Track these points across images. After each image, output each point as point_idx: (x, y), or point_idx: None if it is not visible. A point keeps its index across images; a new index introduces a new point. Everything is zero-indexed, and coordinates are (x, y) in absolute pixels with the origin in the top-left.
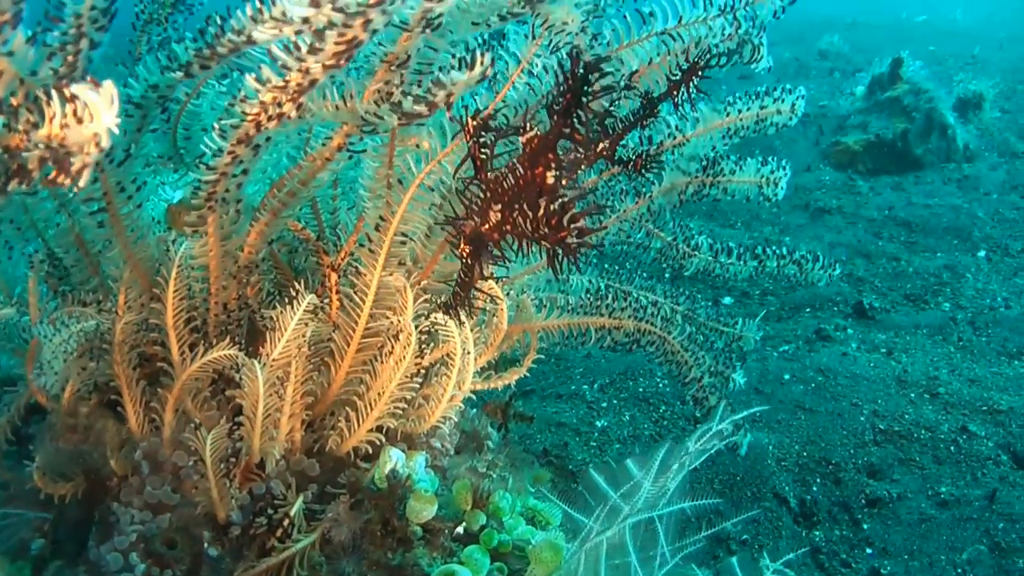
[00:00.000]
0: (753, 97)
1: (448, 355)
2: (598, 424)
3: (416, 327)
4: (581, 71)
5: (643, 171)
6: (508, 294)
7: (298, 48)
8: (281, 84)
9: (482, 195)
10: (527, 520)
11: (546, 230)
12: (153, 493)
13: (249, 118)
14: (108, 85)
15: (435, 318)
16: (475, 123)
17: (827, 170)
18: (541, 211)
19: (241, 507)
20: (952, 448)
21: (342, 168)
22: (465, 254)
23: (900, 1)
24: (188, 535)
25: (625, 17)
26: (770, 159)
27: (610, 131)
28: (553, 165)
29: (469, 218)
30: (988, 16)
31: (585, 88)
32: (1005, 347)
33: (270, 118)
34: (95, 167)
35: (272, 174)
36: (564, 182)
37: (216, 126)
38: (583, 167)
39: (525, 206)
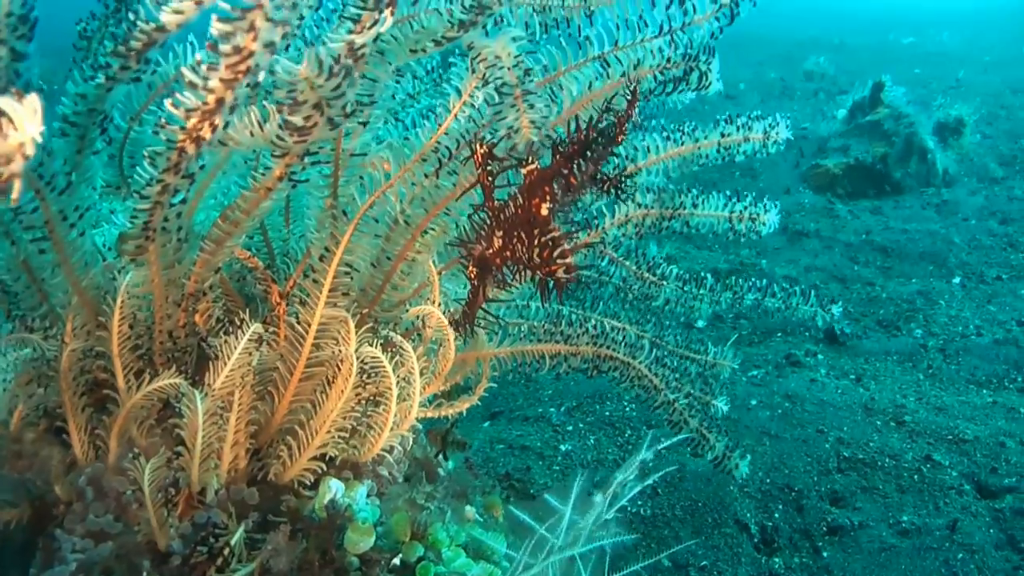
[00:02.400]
0: (713, 125)
1: (387, 386)
2: (562, 448)
3: (362, 357)
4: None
5: (618, 190)
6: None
7: (200, 65)
8: (193, 105)
9: (488, 221)
10: (472, 551)
11: (539, 260)
12: (95, 521)
13: (173, 144)
14: (32, 97)
15: (368, 352)
16: (483, 152)
17: (807, 193)
18: (535, 241)
19: (182, 536)
20: (916, 477)
21: (295, 196)
22: (472, 276)
23: (888, 23)
24: (128, 564)
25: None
26: (745, 192)
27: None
28: (548, 198)
29: (477, 242)
30: (974, 39)
31: (593, 145)
32: (974, 375)
33: (192, 142)
34: (36, 195)
35: (224, 201)
36: (555, 215)
37: (146, 153)
38: (573, 197)
39: (522, 234)
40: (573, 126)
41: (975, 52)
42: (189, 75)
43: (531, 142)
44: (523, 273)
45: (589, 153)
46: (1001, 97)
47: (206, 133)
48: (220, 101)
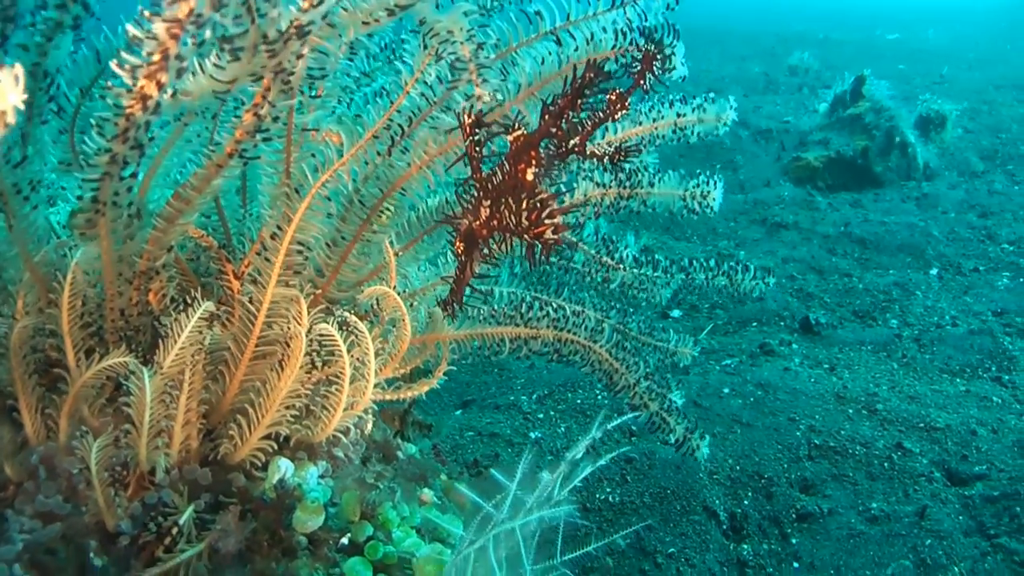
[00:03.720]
0: (668, 105)
1: (341, 367)
2: (532, 435)
3: (319, 335)
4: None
5: (619, 162)
6: (411, 306)
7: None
8: (138, 62)
9: (476, 192)
10: (428, 533)
11: (526, 223)
12: (45, 502)
13: (120, 108)
14: (16, 67)
15: (323, 329)
16: (471, 121)
17: (787, 185)
18: (523, 205)
19: (132, 516)
20: (886, 464)
21: (252, 175)
22: (460, 251)
23: (873, 19)
24: (75, 545)
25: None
26: (704, 172)
27: (579, 128)
28: (534, 162)
29: (464, 216)
30: (959, 36)
31: (584, 93)
32: (948, 365)
33: (139, 103)
34: None
35: (180, 179)
36: (541, 179)
37: (93, 121)
38: (558, 162)
39: (510, 200)
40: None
41: (960, 49)
42: (133, 30)
43: (519, 111)
44: (509, 242)
45: (580, 102)
46: (984, 93)
47: (152, 91)
48: (165, 53)
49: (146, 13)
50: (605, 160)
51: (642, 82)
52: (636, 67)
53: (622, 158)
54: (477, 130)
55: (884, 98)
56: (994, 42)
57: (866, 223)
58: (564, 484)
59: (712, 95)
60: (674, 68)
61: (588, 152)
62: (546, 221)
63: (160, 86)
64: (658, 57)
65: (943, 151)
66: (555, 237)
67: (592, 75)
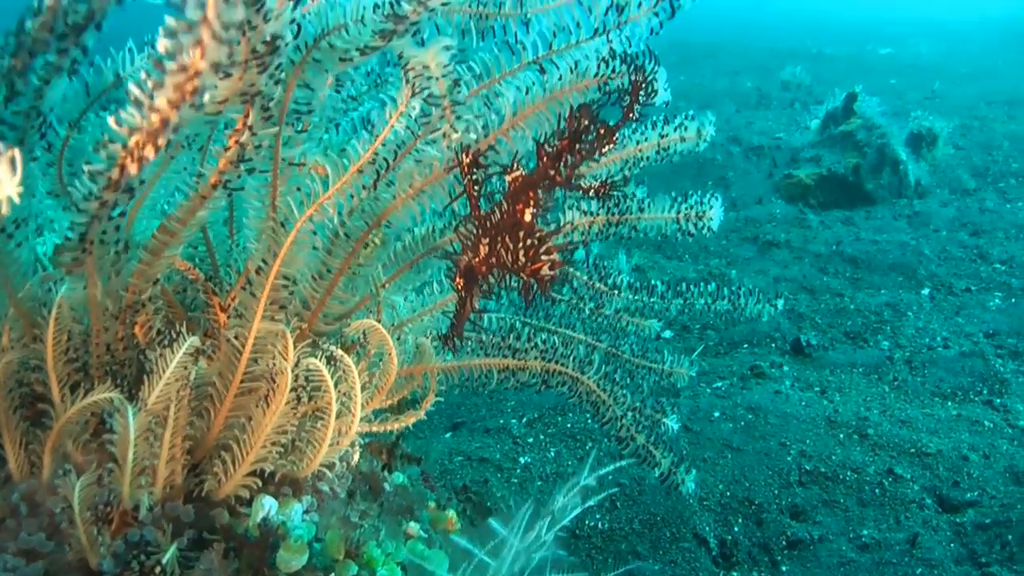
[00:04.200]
0: (651, 127)
1: (327, 402)
2: (521, 460)
3: (306, 369)
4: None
5: (605, 196)
6: (398, 338)
7: (147, 81)
8: (137, 124)
9: (475, 230)
10: (413, 569)
11: (523, 261)
12: (27, 539)
13: (114, 161)
14: (14, 152)
15: (309, 364)
16: (468, 160)
17: (779, 203)
18: (520, 244)
19: (114, 554)
20: (877, 491)
21: (239, 206)
22: (460, 286)
23: (866, 34)
24: None
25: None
26: (697, 191)
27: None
28: (532, 203)
29: (464, 252)
30: (952, 51)
31: (582, 137)
32: (940, 388)
33: (134, 161)
34: None
35: (168, 210)
36: (538, 218)
37: (86, 169)
38: (551, 196)
39: (507, 238)
40: (563, 121)
41: (952, 64)
42: (135, 92)
43: (516, 151)
44: (508, 279)
45: (577, 147)
46: (975, 109)
47: (149, 153)
48: (165, 122)
49: (150, 81)
50: (591, 192)
51: (631, 115)
52: (625, 99)
53: (608, 191)
54: (475, 169)
55: (875, 115)
56: (986, 57)
57: (858, 241)
58: (552, 526)
59: (691, 114)
60: (657, 93)
61: (575, 187)
62: (543, 258)
63: (157, 149)
64: (644, 87)
65: (935, 168)
66: (552, 273)
67: (587, 121)
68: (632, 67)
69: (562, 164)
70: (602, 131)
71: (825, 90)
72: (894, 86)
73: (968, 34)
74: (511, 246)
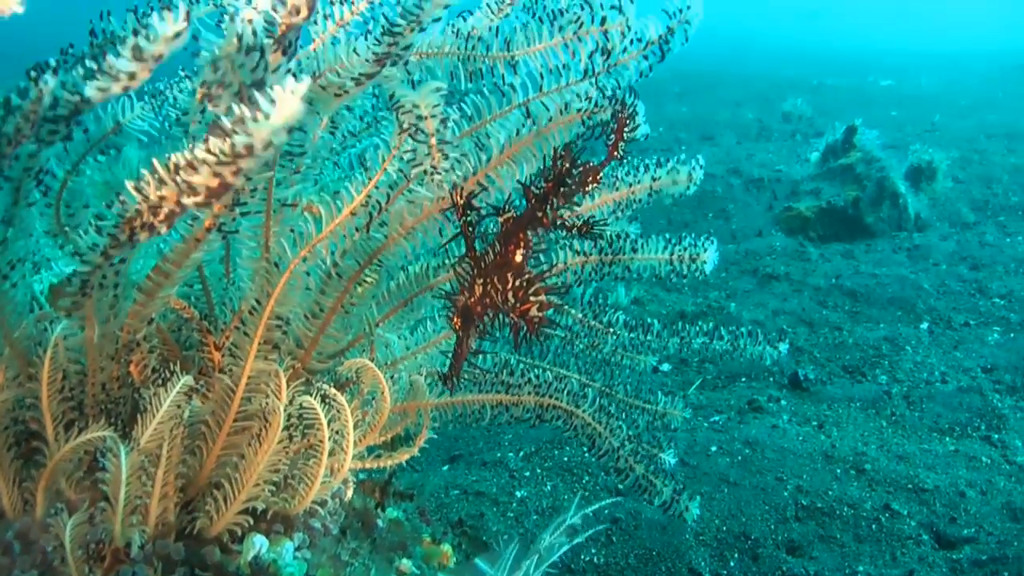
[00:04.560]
0: (643, 169)
1: (320, 439)
2: (518, 494)
3: (299, 407)
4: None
5: (590, 235)
6: (392, 376)
7: (176, 172)
8: (156, 202)
9: (470, 270)
10: None
11: (512, 301)
12: None
13: (124, 221)
14: None
15: (303, 402)
16: (463, 203)
17: (779, 235)
18: (509, 285)
19: None
20: (874, 526)
21: (235, 243)
22: (457, 326)
23: (867, 66)
24: None
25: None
26: (695, 226)
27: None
28: (523, 244)
29: (461, 292)
30: (952, 83)
31: (566, 180)
32: (937, 423)
33: (143, 227)
34: None
35: (164, 248)
36: (528, 259)
37: (93, 223)
38: (542, 237)
39: (496, 279)
40: (548, 164)
41: (952, 96)
42: (162, 173)
43: (508, 192)
44: (501, 319)
45: (563, 190)
46: (975, 142)
47: (162, 230)
48: (184, 211)
49: (160, 170)
50: (573, 231)
51: (616, 153)
52: (610, 137)
53: (590, 229)
54: (468, 211)
55: (875, 148)
56: (986, 89)
57: (857, 275)
58: (539, 565)
59: (682, 157)
60: (638, 126)
61: (561, 226)
62: (531, 299)
63: (171, 226)
64: (628, 124)
65: (934, 201)
66: (540, 315)
67: (569, 164)
68: (614, 108)
69: (548, 206)
70: (587, 170)
71: (826, 122)
72: (895, 118)
73: (969, 65)
74: (501, 287)
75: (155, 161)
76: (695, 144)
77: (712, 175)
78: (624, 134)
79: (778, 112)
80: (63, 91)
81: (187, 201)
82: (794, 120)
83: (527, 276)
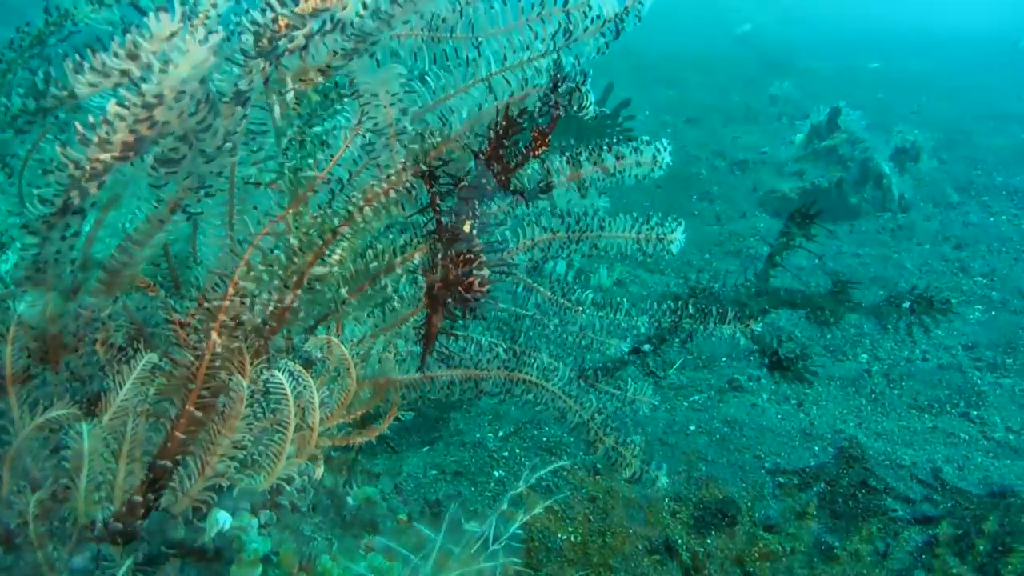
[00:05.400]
0: (606, 149)
1: (286, 417)
2: (495, 474)
3: (264, 384)
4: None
5: (537, 198)
6: (359, 353)
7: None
8: (83, 162)
9: (437, 249)
10: None
11: (454, 276)
12: None
13: (62, 190)
14: None
15: (271, 376)
16: (428, 172)
17: (763, 217)
18: (458, 258)
19: (71, 570)
20: (850, 503)
21: (201, 223)
22: (426, 305)
23: (855, 48)
24: None
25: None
26: (657, 214)
27: (508, 164)
28: (472, 214)
29: (431, 271)
30: (940, 65)
31: (503, 142)
32: (916, 400)
33: (79, 192)
34: None
35: (129, 229)
36: (479, 231)
37: (36, 193)
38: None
39: (452, 254)
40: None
41: (939, 78)
42: (83, 132)
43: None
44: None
45: (504, 150)
46: (961, 123)
47: (92, 189)
48: (108, 168)
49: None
50: (523, 196)
51: (558, 113)
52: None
53: (540, 195)
54: (434, 182)
55: (859, 129)
56: (973, 70)
57: (840, 255)
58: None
59: (646, 138)
60: (589, 105)
61: (511, 189)
62: (474, 273)
63: (100, 185)
64: (561, 85)
65: (919, 182)
66: (481, 290)
67: (507, 124)
68: (553, 76)
69: (494, 164)
70: (535, 134)
71: (813, 104)
72: (881, 100)
73: (956, 48)
74: (452, 259)
75: (77, 123)
76: (680, 127)
77: (697, 158)
78: (572, 107)
79: (765, 95)
80: (53, 87)
81: (104, 157)
82: (780, 103)
83: (475, 247)
